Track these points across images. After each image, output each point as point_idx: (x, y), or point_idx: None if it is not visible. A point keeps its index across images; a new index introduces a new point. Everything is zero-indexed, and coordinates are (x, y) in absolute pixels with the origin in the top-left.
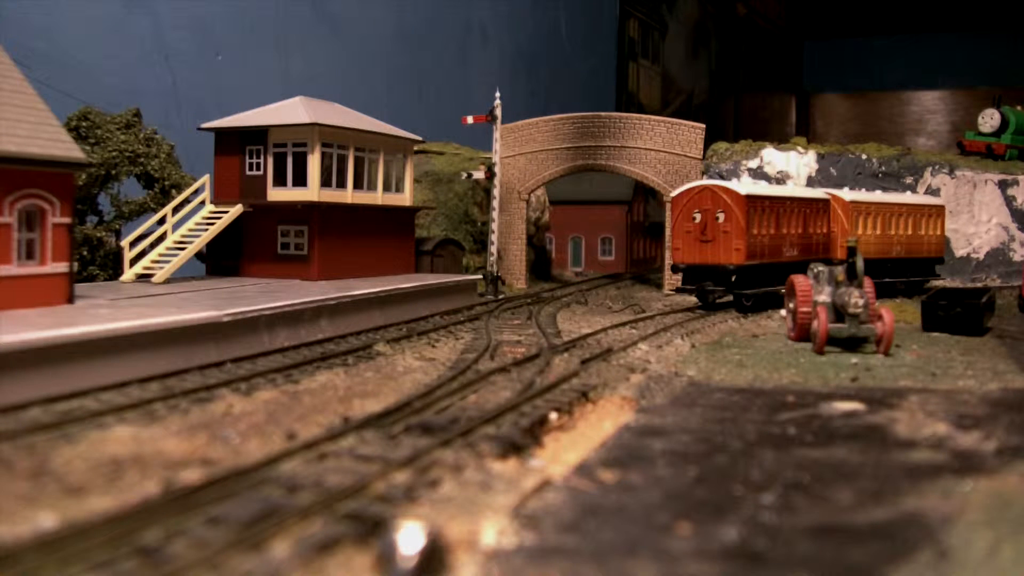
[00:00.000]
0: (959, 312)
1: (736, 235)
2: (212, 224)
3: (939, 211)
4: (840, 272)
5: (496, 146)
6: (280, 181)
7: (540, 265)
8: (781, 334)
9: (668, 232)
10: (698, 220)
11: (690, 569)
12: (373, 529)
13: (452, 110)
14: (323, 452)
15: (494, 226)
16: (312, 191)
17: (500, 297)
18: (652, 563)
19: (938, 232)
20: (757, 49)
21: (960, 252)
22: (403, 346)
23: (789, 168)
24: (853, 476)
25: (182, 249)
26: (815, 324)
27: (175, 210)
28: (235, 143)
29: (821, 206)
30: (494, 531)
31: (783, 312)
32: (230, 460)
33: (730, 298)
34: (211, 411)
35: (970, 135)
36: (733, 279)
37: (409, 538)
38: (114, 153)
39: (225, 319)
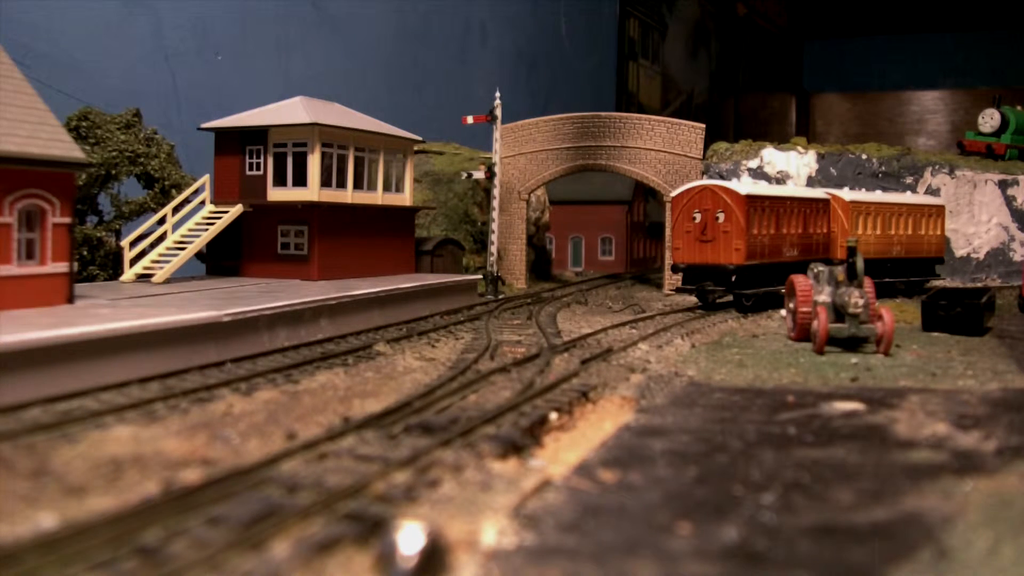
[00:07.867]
0: (959, 312)
1: (736, 235)
2: (212, 224)
3: (939, 211)
4: (840, 272)
5: (496, 146)
6: (280, 181)
7: (540, 265)
8: (781, 334)
9: (668, 232)
10: (698, 220)
11: (690, 569)
12: (373, 529)
13: (452, 110)
14: (323, 452)
15: (494, 226)
16: (312, 191)
17: (500, 297)
18: (652, 563)
19: (938, 232)
20: (757, 49)
21: (960, 252)
22: (403, 346)
23: (789, 168)
24: (853, 476)
25: (182, 249)
26: (815, 324)
27: (175, 210)
28: (235, 143)
29: (821, 206)
30: (494, 531)
31: (783, 312)
32: (230, 460)
33: (730, 298)
34: (211, 411)
35: (970, 135)
36: (733, 279)
37: (409, 538)
38: (114, 153)
39: (225, 319)
